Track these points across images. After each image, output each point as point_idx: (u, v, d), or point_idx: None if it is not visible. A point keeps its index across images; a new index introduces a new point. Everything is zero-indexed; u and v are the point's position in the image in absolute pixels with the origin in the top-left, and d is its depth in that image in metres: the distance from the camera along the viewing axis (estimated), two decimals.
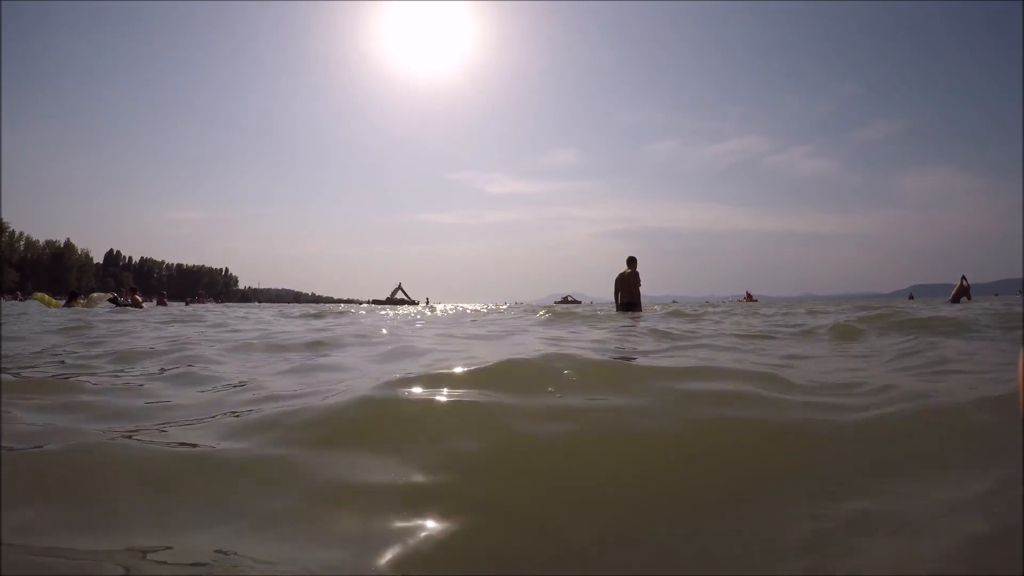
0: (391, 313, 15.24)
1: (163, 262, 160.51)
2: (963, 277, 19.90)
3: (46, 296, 16.71)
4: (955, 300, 19.25)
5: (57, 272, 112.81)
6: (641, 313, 11.20)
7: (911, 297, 47.08)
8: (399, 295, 62.27)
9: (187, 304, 34.96)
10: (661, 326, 6.30)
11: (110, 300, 18.10)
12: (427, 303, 60.56)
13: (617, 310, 12.02)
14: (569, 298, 56.66)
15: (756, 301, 34.00)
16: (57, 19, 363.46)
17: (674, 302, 41.18)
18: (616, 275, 12.00)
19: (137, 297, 19.93)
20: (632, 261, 12.15)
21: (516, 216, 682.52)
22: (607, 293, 12.37)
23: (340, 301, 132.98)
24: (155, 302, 30.71)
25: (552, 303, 39.47)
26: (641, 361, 2.71)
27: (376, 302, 57.71)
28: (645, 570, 0.87)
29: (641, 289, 12.27)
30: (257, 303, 59.85)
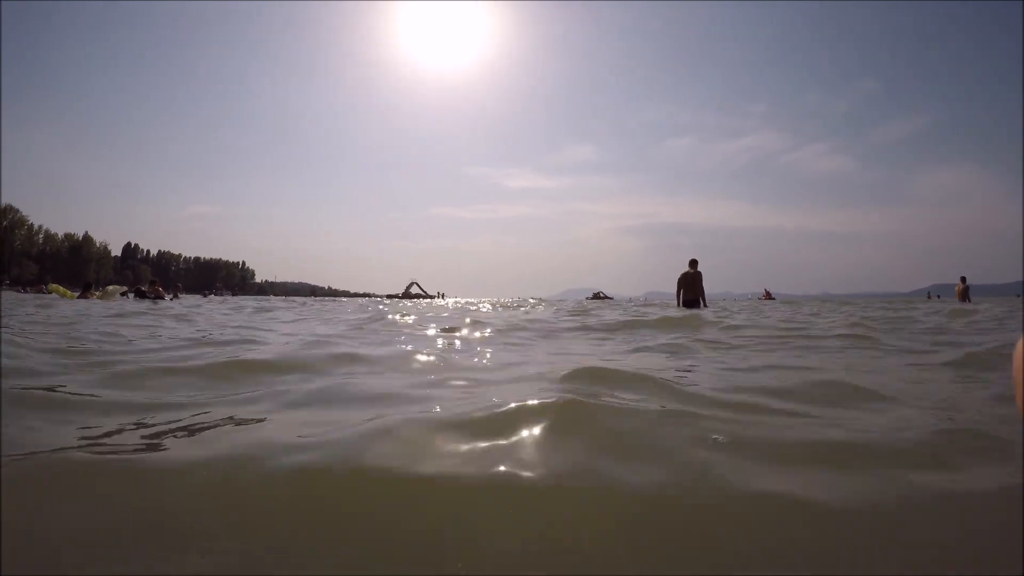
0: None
1: (180, 256, 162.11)
2: (963, 278, 21.49)
3: (61, 288, 16.77)
4: (965, 300, 20.89)
5: (75, 265, 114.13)
6: (708, 309, 12.11)
7: (929, 296, 45.98)
8: (414, 290, 62.36)
9: (204, 297, 35.07)
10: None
11: (134, 292, 18.49)
12: (440, 296, 60.55)
13: (679, 306, 12.98)
14: (600, 294, 56.47)
15: (775, 299, 33.49)
16: (73, 20, 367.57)
17: None
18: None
19: (159, 289, 20.63)
20: (694, 263, 13.37)
21: (531, 211, 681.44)
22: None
23: (357, 295, 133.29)
24: (172, 295, 30.89)
25: (584, 299, 39.13)
26: None
27: (392, 297, 57.81)
28: None
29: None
30: (273, 296, 60.29)
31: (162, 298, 19.50)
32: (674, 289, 13.39)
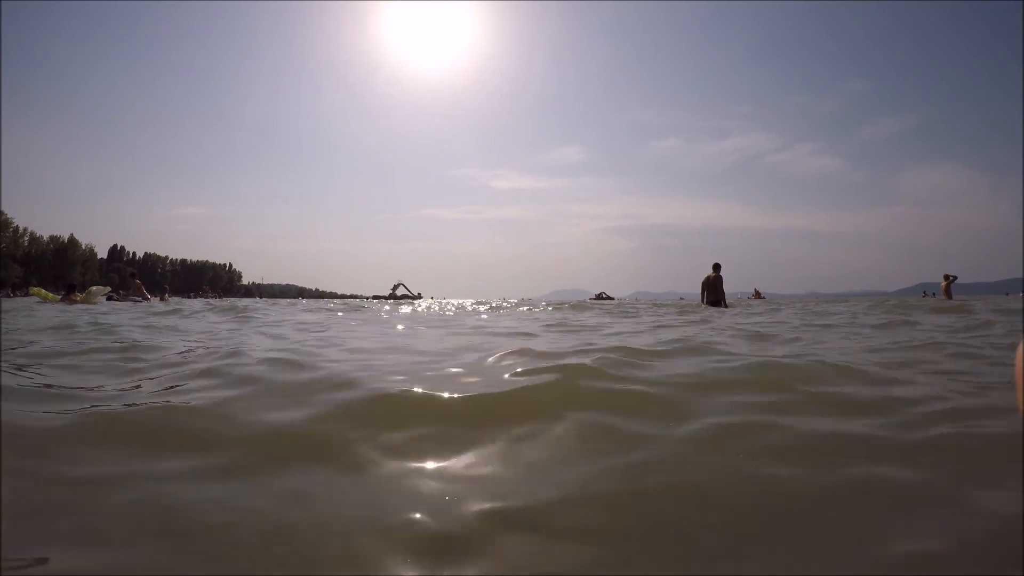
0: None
1: (167, 258, 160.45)
2: (946, 275, 21.94)
3: (43, 291, 16.33)
4: (948, 296, 21.31)
5: (61, 268, 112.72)
6: (727, 308, 13.30)
7: (924, 294, 46.06)
8: (401, 291, 62.00)
9: (193, 299, 34.62)
10: None
11: (107, 297, 16.82)
12: (419, 296, 60.12)
13: (703, 304, 14.31)
14: (603, 295, 56.57)
15: (764, 299, 33.57)
16: (60, 20, 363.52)
17: (681, 299, 40.79)
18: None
19: (138, 282, 18.03)
20: (717, 267, 14.54)
21: (519, 212, 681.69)
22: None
23: (344, 297, 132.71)
24: (158, 298, 30.39)
25: (587, 299, 39.07)
26: None
27: (378, 298, 57.46)
28: None
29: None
30: (259, 297, 59.72)
31: (146, 298, 17.46)
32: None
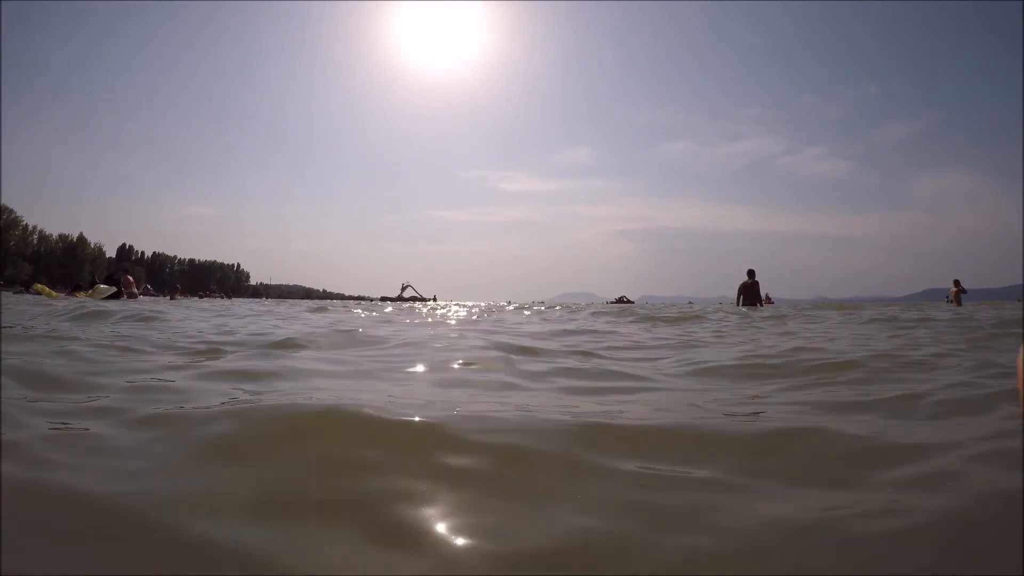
0: None
1: (175, 257, 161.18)
2: (955, 281, 22.52)
3: (46, 288, 16.13)
4: (959, 303, 21.29)
5: (70, 266, 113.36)
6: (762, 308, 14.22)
7: (948, 299, 45.27)
8: (409, 292, 61.99)
9: (200, 298, 34.74)
10: None
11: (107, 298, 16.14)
12: (434, 299, 60.02)
13: (739, 307, 15.10)
14: (624, 298, 56.26)
15: (774, 303, 33.22)
16: (71, 18, 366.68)
17: (690, 303, 40.50)
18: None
19: (129, 278, 16.74)
20: (752, 273, 15.56)
21: (527, 214, 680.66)
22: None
23: (351, 298, 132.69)
24: (169, 296, 30.48)
25: (606, 303, 38.86)
26: None
27: (386, 299, 57.43)
28: None
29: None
30: (266, 298, 59.76)
31: (133, 296, 16.42)
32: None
